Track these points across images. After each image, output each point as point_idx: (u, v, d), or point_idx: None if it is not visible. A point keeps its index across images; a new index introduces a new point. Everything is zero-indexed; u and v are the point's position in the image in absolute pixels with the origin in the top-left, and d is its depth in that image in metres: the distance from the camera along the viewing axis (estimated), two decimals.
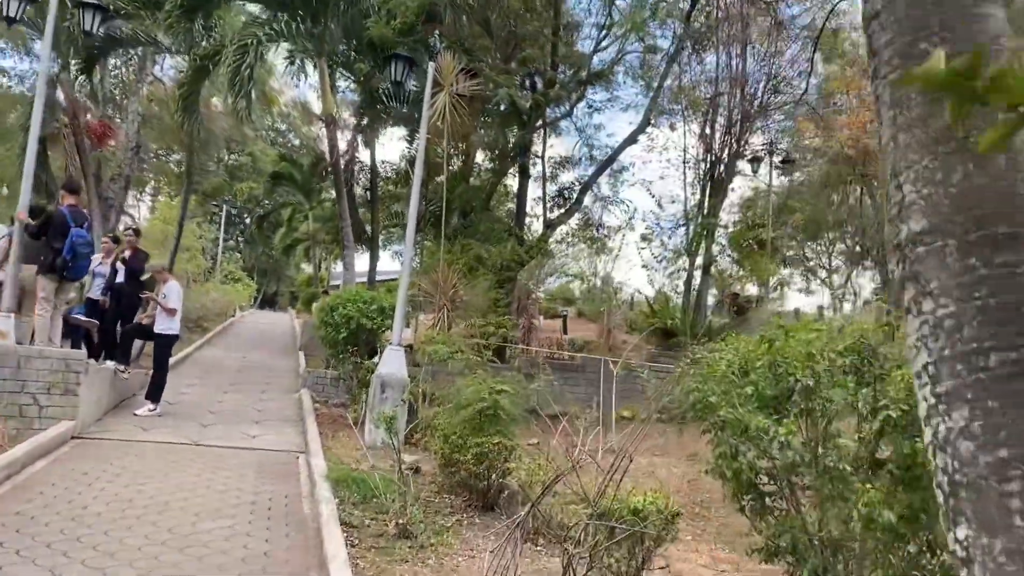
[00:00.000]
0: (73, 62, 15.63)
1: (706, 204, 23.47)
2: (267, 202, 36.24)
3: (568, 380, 15.11)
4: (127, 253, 10.88)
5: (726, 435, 4.14)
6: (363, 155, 24.96)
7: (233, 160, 54.87)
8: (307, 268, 51.85)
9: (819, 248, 31.79)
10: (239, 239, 57.95)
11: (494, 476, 7.06)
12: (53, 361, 8.37)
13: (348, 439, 10.39)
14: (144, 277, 10.25)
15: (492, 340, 14.38)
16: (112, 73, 22.01)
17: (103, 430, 8.79)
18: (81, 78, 16.34)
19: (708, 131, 23.36)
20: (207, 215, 43.79)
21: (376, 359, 11.71)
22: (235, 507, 6.40)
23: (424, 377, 10.33)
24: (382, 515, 6.41)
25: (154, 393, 10.21)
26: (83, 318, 10.18)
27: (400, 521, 5.87)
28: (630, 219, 25.68)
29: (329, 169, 30.18)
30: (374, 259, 19.08)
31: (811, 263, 32.45)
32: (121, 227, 16.86)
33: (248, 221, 49.59)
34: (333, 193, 34.32)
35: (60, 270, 8.91)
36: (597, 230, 22.28)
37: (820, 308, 28.83)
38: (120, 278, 10.67)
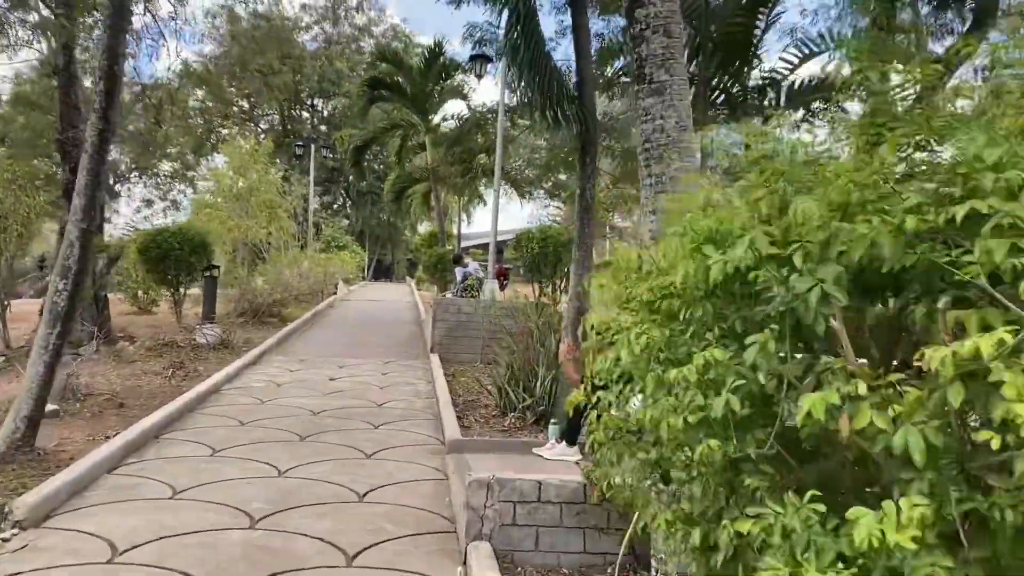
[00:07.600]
0: None
1: None
2: (364, 129, 26.48)
3: None
4: None
5: None
6: None
7: (332, 108, 46.55)
8: (424, 230, 43.27)
9: None
10: (345, 202, 49.72)
11: None
12: None
13: None
14: None
15: None
16: None
17: None
18: None
19: None
20: (292, 163, 35.09)
21: None
22: None
23: None
24: None
25: None
26: None
27: None
28: None
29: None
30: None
31: None
32: None
33: (351, 177, 41.07)
34: (459, 106, 22.83)
35: None
36: None
37: None
38: None
